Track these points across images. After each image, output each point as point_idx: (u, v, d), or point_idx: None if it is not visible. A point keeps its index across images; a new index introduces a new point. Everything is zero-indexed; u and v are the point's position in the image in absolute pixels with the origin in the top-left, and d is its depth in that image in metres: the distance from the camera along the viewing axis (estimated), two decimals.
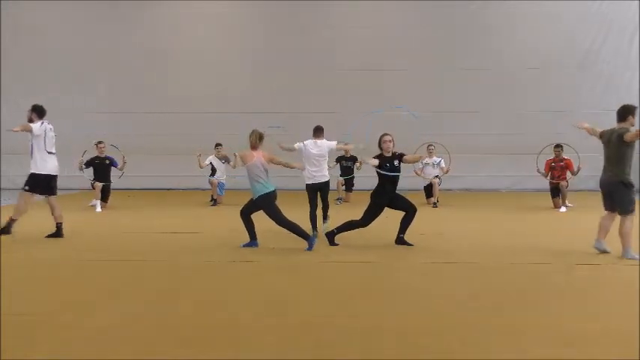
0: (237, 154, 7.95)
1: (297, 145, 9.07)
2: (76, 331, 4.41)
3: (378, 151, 8.04)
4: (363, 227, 7.96)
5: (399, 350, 4.02)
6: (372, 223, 7.94)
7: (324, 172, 8.94)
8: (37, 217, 11.06)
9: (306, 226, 8.02)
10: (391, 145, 7.94)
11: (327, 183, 8.98)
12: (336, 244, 7.85)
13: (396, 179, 7.87)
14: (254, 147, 7.80)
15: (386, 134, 8.01)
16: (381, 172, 7.81)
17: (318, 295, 5.43)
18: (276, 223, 7.72)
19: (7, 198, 14.39)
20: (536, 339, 4.22)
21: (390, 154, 7.92)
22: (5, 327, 4.42)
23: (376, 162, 7.88)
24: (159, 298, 5.36)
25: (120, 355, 3.91)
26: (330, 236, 7.94)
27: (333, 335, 4.30)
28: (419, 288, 5.74)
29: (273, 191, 7.70)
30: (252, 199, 7.78)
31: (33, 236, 8.67)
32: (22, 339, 4.23)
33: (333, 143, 9.19)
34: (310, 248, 7.51)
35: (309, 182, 8.83)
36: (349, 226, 7.99)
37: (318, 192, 8.88)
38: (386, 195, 7.84)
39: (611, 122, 6.77)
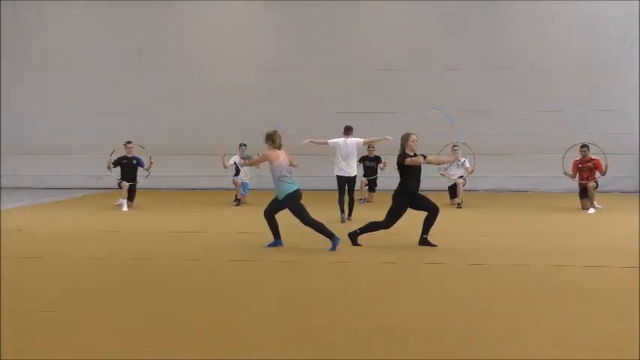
0: (261, 153, 7.97)
1: (330, 141, 10.48)
2: (78, 331, 4.45)
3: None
4: (386, 229, 7.92)
5: (406, 350, 3.99)
6: (395, 224, 7.89)
7: (353, 167, 10.46)
8: (54, 215, 11.29)
9: (331, 224, 7.97)
10: (415, 145, 7.91)
11: (354, 177, 10.54)
12: (359, 245, 7.82)
13: (419, 179, 7.82)
14: (279, 147, 7.80)
15: (413, 133, 7.93)
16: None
17: (336, 296, 5.43)
18: (302, 222, 7.69)
19: (30, 197, 14.68)
20: (538, 340, 4.17)
21: (413, 154, 7.87)
22: (6, 327, 4.45)
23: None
24: (168, 297, 5.40)
25: (122, 355, 3.93)
26: (353, 237, 7.91)
27: (340, 335, 4.28)
28: (437, 289, 5.69)
29: (298, 189, 7.70)
30: (275, 199, 7.76)
31: (58, 234, 8.83)
32: (23, 339, 4.27)
33: (361, 140, 10.53)
34: (334, 248, 7.49)
35: (340, 174, 10.34)
36: (372, 227, 7.95)
37: (346, 182, 10.36)
38: (408, 195, 7.79)
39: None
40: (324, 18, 16.80)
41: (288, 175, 7.67)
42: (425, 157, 7.89)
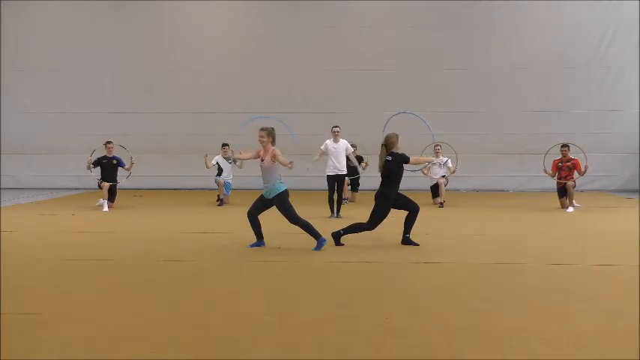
0: (281, 157, 7.69)
1: (322, 147, 10.99)
2: (78, 331, 4.42)
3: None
4: (369, 230, 7.94)
5: (403, 350, 4.02)
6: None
7: (341, 166, 10.85)
8: (33, 216, 11.15)
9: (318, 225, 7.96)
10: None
11: (343, 176, 10.96)
12: (342, 245, 7.85)
13: (400, 179, 7.86)
14: (274, 144, 7.67)
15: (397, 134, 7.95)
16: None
17: (324, 295, 5.43)
18: (290, 220, 7.64)
19: (8, 198, 14.49)
20: (536, 339, 4.21)
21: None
22: (7, 327, 4.42)
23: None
24: (162, 298, 5.36)
25: (122, 356, 3.92)
26: (337, 236, 7.93)
27: (337, 335, 4.30)
28: (424, 288, 5.73)
29: (287, 189, 7.67)
30: (260, 199, 7.71)
31: (38, 236, 8.73)
32: (23, 339, 4.24)
33: (351, 149, 11.14)
34: (318, 248, 7.50)
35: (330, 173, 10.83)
36: (356, 228, 7.95)
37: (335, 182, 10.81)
38: (392, 196, 7.83)
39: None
40: (311, 18, 16.82)
41: (279, 173, 7.65)
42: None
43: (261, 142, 7.63)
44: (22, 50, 17.13)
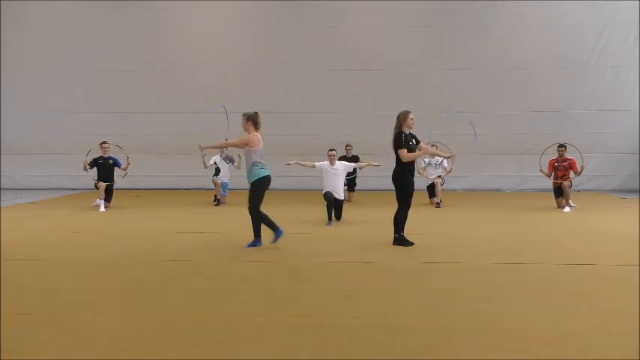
0: (230, 140, 7.76)
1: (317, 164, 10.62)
2: (77, 331, 4.42)
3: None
4: (409, 209, 7.77)
5: (403, 350, 4.03)
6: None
7: (338, 190, 10.38)
8: (29, 216, 11.14)
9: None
10: (413, 123, 7.69)
11: (341, 201, 10.41)
12: (412, 243, 7.80)
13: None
14: (258, 129, 7.62)
15: (411, 112, 7.67)
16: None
17: (324, 295, 5.42)
18: (249, 207, 7.55)
19: (6, 198, 14.47)
20: (535, 339, 4.21)
21: (409, 133, 7.68)
22: (6, 327, 4.43)
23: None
24: (160, 298, 5.36)
25: (122, 356, 3.92)
26: (401, 241, 7.79)
27: (337, 335, 4.30)
28: (424, 288, 5.73)
29: (269, 176, 7.57)
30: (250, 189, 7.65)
31: (36, 236, 8.71)
32: (23, 339, 4.24)
33: (351, 169, 11.00)
34: (274, 242, 7.53)
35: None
36: (400, 218, 7.78)
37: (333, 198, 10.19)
38: (400, 176, 7.65)
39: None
40: (311, 18, 16.82)
41: (262, 160, 7.56)
42: (418, 142, 7.78)
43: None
44: (23, 50, 17.11)
